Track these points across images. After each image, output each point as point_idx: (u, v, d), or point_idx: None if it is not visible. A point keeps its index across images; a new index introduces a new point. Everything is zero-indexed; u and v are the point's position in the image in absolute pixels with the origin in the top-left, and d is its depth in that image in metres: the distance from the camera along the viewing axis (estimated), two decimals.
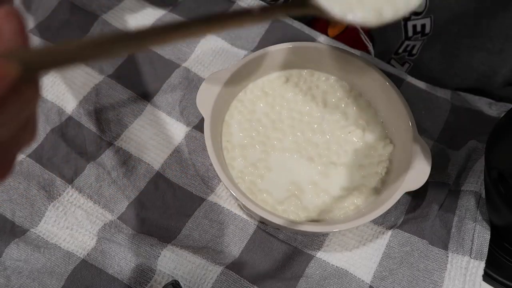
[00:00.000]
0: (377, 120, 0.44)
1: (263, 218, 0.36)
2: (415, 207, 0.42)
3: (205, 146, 0.38)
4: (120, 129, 0.44)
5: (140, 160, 0.42)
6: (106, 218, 0.40)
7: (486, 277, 0.40)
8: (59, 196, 0.40)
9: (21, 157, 0.41)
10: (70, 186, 0.41)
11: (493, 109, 0.48)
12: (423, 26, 0.48)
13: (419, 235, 0.40)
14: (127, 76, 0.46)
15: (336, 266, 0.39)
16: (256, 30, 0.50)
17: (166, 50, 0.48)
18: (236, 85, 0.43)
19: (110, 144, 0.43)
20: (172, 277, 0.38)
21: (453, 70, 0.50)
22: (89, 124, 0.43)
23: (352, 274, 0.39)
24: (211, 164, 0.38)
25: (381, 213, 0.37)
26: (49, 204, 0.40)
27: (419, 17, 0.47)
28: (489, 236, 0.39)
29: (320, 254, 0.40)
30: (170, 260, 0.38)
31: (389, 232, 0.40)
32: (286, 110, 0.44)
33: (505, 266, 0.40)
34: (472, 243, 0.39)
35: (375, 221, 0.41)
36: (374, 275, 0.39)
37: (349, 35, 0.51)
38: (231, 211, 0.41)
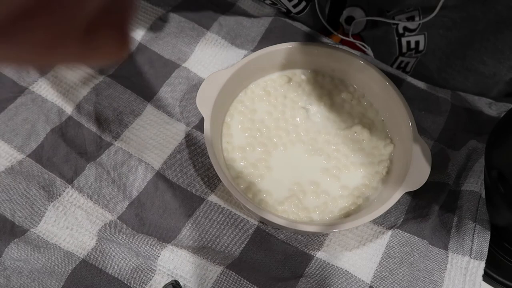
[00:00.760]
0: (378, 120, 0.44)
1: (263, 218, 0.36)
2: (415, 207, 0.42)
3: (205, 146, 0.38)
4: (120, 129, 0.44)
5: (140, 160, 0.42)
6: (106, 218, 0.40)
7: (486, 277, 0.40)
8: (59, 196, 0.40)
9: (21, 157, 0.41)
10: (70, 186, 0.41)
11: (493, 109, 0.48)
12: (417, 43, 0.49)
13: (419, 235, 0.40)
14: (127, 76, 0.46)
15: (336, 266, 0.39)
16: (256, 29, 0.50)
17: (166, 50, 0.48)
18: (237, 85, 0.43)
19: (110, 144, 0.43)
20: (172, 277, 0.38)
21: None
22: (89, 124, 0.43)
23: (352, 274, 0.39)
24: (211, 164, 0.38)
25: (381, 213, 0.37)
26: (49, 204, 0.40)
27: (413, 33, 0.48)
28: (489, 236, 0.39)
29: (320, 254, 0.40)
30: (170, 260, 0.38)
31: (389, 232, 0.40)
32: (289, 110, 0.44)
33: (505, 266, 0.40)
34: (472, 243, 0.39)
35: (375, 221, 0.41)
36: (374, 275, 0.39)
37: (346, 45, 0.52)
38: (231, 211, 0.41)
